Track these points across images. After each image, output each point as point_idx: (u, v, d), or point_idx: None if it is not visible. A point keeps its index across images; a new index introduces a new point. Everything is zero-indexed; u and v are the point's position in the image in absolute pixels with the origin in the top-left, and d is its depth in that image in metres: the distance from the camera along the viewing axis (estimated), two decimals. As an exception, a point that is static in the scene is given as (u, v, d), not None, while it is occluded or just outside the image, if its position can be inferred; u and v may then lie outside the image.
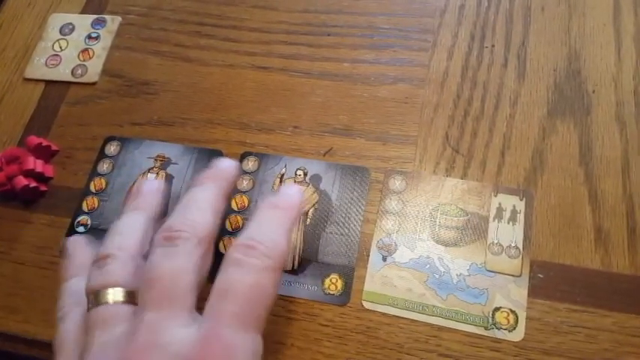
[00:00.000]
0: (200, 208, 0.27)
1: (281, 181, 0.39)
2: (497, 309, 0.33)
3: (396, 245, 0.35)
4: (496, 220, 0.35)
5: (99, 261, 0.26)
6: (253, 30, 0.46)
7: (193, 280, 0.24)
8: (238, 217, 0.38)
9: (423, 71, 0.42)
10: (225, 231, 0.37)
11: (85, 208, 0.40)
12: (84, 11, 0.49)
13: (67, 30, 0.48)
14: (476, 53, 0.42)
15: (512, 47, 0.41)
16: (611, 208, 0.35)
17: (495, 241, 0.34)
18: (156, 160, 0.41)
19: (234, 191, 0.39)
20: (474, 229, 0.35)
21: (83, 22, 0.48)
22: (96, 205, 0.40)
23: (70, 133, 0.44)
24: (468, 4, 0.44)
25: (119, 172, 0.41)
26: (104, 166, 0.41)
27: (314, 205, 0.37)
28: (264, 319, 0.24)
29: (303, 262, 0.36)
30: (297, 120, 0.41)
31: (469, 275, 0.34)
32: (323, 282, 0.35)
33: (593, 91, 0.39)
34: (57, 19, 0.49)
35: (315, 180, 0.38)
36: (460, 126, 0.39)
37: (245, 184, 0.39)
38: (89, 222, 0.39)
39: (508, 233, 0.34)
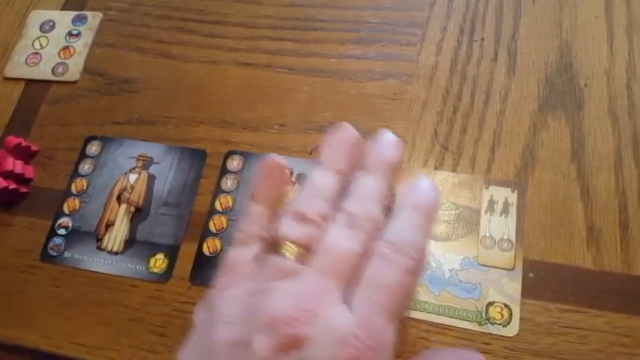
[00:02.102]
0: (375, 201, 0.27)
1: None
2: (490, 304, 0.32)
3: None
4: (488, 213, 0.34)
5: (296, 216, 0.27)
6: (237, 25, 0.44)
7: (356, 266, 0.26)
8: (222, 218, 0.37)
9: (411, 66, 0.41)
10: (209, 232, 0.37)
11: (65, 209, 0.39)
12: (64, 8, 0.48)
13: (47, 27, 0.47)
14: (465, 47, 0.41)
15: (503, 41, 0.40)
16: (604, 204, 0.34)
17: (487, 235, 0.34)
18: (138, 159, 0.40)
19: (218, 191, 0.38)
20: (466, 223, 0.34)
21: (64, 19, 0.47)
22: (77, 207, 0.39)
23: (50, 132, 0.42)
24: (457, -3, 0.43)
25: (100, 172, 0.40)
26: (85, 167, 0.40)
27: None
28: (402, 315, 0.26)
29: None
30: (283, 118, 0.40)
31: (461, 270, 0.33)
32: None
33: (585, 85, 0.38)
34: (37, 16, 0.48)
35: (302, 178, 0.37)
36: (449, 122, 0.38)
37: (229, 183, 0.38)
38: (70, 224, 0.38)
39: (500, 226, 0.34)
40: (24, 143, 0.41)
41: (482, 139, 0.37)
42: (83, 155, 0.41)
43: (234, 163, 0.39)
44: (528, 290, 0.32)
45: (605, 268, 0.33)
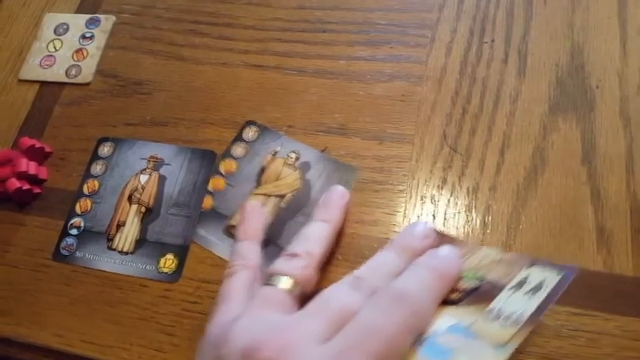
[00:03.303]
0: (379, 273, 0.29)
1: (272, 158, 0.39)
2: None
3: None
4: (512, 290, 0.28)
5: (288, 255, 0.31)
6: (247, 27, 0.45)
7: (348, 318, 0.26)
8: (221, 180, 0.39)
9: (420, 68, 0.40)
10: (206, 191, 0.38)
11: (78, 210, 0.40)
12: (78, 11, 0.49)
13: (61, 30, 0.48)
14: (475, 49, 0.40)
15: (513, 42, 0.40)
16: (615, 207, 0.34)
17: (496, 308, 0.28)
18: (149, 161, 0.40)
19: (224, 155, 0.39)
20: (482, 294, 0.29)
21: (77, 22, 0.48)
22: (89, 208, 0.40)
23: (63, 134, 0.43)
24: (467, -2, 0.42)
25: (112, 173, 0.40)
26: (97, 168, 0.41)
27: (293, 191, 0.37)
28: None
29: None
30: (292, 119, 0.40)
31: (444, 334, 0.27)
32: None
33: (597, 87, 0.38)
34: (51, 19, 0.49)
35: (304, 167, 0.38)
36: (458, 124, 0.38)
37: (239, 150, 0.39)
38: (82, 224, 0.39)
39: (518, 303, 0.27)
40: (38, 144, 0.41)
41: (492, 142, 0.37)
42: (95, 156, 0.41)
43: (250, 132, 0.40)
44: (537, 293, 0.32)
45: (615, 271, 0.32)
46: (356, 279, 0.28)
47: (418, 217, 0.36)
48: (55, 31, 0.48)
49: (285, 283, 0.29)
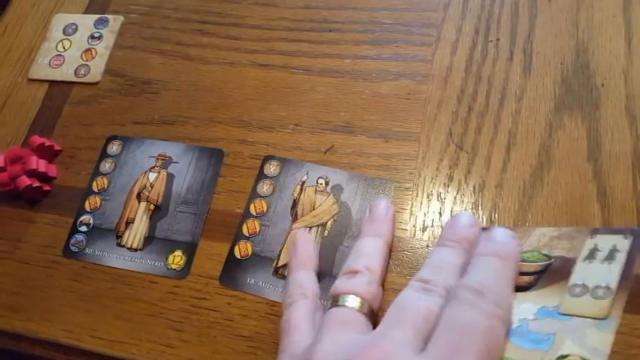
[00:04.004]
0: (444, 271, 0.28)
1: (301, 189, 0.37)
2: (563, 357, 0.25)
3: None
4: (586, 261, 0.28)
5: (349, 273, 0.30)
6: (254, 27, 0.45)
7: (433, 322, 0.26)
8: (256, 222, 0.37)
9: (426, 66, 0.41)
10: (241, 235, 0.37)
11: (87, 207, 0.40)
12: (87, 11, 0.49)
13: (70, 30, 0.48)
14: (480, 47, 0.41)
15: (518, 40, 0.40)
16: (621, 205, 0.34)
17: (579, 283, 0.27)
18: (157, 159, 0.41)
19: (253, 195, 0.38)
20: (555, 272, 0.28)
21: (86, 22, 0.48)
22: (98, 205, 0.40)
23: (73, 132, 0.44)
24: (472, -3, 0.43)
25: (121, 171, 0.41)
26: (106, 166, 0.41)
27: (333, 216, 0.36)
28: None
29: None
30: (298, 118, 0.40)
31: (534, 320, 0.27)
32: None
33: (602, 85, 0.38)
34: (60, 20, 0.49)
35: (337, 190, 0.37)
36: (464, 122, 0.38)
37: (265, 188, 0.38)
38: (91, 221, 0.39)
39: (599, 273, 0.27)
40: (47, 143, 0.42)
41: (498, 139, 0.37)
42: (104, 154, 0.42)
43: (271, 168, 0.39)
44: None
45: (621, 268, 0.32)
46: (423, 282, 0.27)
47: (425, 214, 0.36)
48: (64, 32, 0.48)
49: (352, 301, 0.28)
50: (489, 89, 0.39)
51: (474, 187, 0.36)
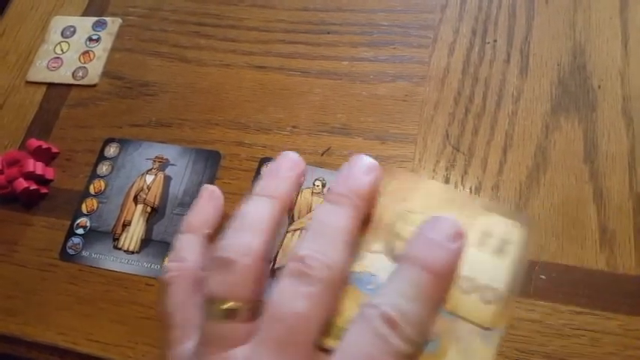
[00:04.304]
0: (335, 241, 0.23)
1: (298, 191, 0.36)
2: None
3: None
4: (477, 248, 0.25)
5: (220, 264, 0.23)
6: (251, 29, 0.45)
7: (320, 326, 0.22)
8: None
9: (423, 68, 0.41)
10: None
11: (84, 210, 0.40)
12: (85, 13, 0.50)
13: (68, 32, 0.48)
14: (477, 49, 0.41)
15: (515, 42, 0.40)
16: (617, 206, 0.34)
17: (469, 275, 0.24)
18: (154, 161, 0.41)
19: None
20: None
21: (84, 25, 0.48)
22: (95, 207, 0.40)
23: (70, 135, 0.44)
24: (469, -1, 0.43)
25: (118, 174, 0.41)
26: (103, 168, 0.41)
27: None
28: None
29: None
30: (295, 120, 0.40)
31: None
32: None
33: (599, 86, 0.38)
34: (59, 22, 0.49)
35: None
36: (461, 123, 0.38)
37: None
38: (88, 224, 0.39)
39: (490, 268, 0.24)
40: (44, 145, 0.42)
41: (494, 141, 0.37)
42: (101, 157, 0.42)
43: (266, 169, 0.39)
44: (540, 292, 0.32)
45: (618, 270, 0.32)
46: (300, 261, 0.22)
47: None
48: (62, 34, 0.48)
49: (224, 312, 0.22)
50: (486, 91, 0.39)
51: (471, 189, 0.36)
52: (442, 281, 0.22)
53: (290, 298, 0.21)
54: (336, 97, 0.41)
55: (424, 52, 0.41)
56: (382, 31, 0.43)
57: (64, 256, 0.39)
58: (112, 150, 0.42)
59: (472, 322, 0.23)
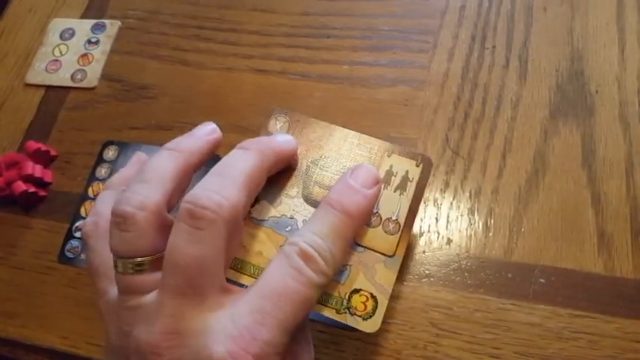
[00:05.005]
0: (234, 182, 0.23)
1: None
2: (355, 291, 0.26)
3: (257, 198, 0.28)
4: (382, 185, 0.28)
5: (118, 220, 0.23)
6: (252, 33, 0.45)
7: (220, 265, 0.22)
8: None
9: (423, 73, 0.41)
10: None
11: (82, 213, 0.40)
12: (84, 16, 0.49)
13: (67, 35, 0.48)
14: (477, 54, 0.41)
15: (514, 48, 0.41)
16: (615, 210, 0.34)
17: (375, 210, 0.27)
18: (154, 164, 0.41)
19: None
20: None
21: (83, 27, 0.48)
22: (94, 210, 0.40)
23: (69, 137, 0.44)
24: (468, 5, 0.43)
25: (117, 176, 0.41)
26: (102, 171, 0.41)
27: None
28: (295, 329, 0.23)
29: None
30: (296, 123, 0.41)
31: None
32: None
33: (597, 92, 0.38)
34: (57, 24, 0.49)
35: None
36: (460, 128, 0.39)
37: None
38: (87, 227, 0.39)
39: (392, 203, 0.27)
40: (43, 148, 0.42)
41: (494, 145, 0.38)
42: (100, 160, 0.42)
43: None
44: (539, 296, 0.33)
45: (616, 274, 0.33)
46: (194, 207, 0.22)
47: (421, 219, 0.36)
48: (60, 36, 0.48)
49: (129, 267, 0.23)
50: (485, 96, 0.39)
51: (470, 193, 0.36)
52: (356, 222, 0.25)
53: (183, 243, 0.22)
54: (336, 101, 0.41)
55: (424, 57, 0.42)
56: (382, 36, 0.43)
57: (63, 258, 0.39)
58: (110, 153, 0.42)
59: (377, 252, 0.27)
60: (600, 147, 0.36)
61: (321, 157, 0.29)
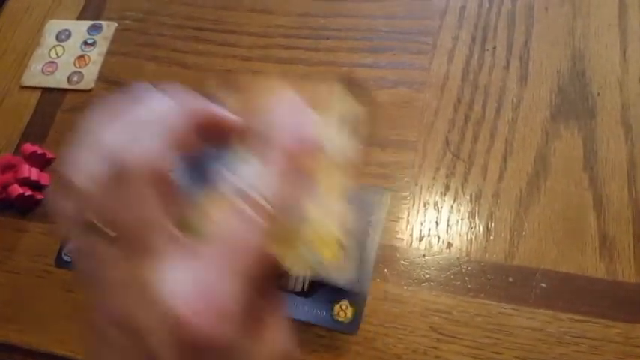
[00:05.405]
0: (155, 131, 0.20)
1: None
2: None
3: None
4: (331, 127, 0.25)
5: (65, 183, 0.20)
6: (251, 34, 0.45)
7: (158, 224, 0.20)
8: None
9: (422, 74, 0.41)
10: None
11: (80, 216, 0.40)
12: (80, 17, 0.49)
13: (63, 36, 0.48)
14: (477, 56, 0.41)
15: (515, 49, 0.40)
16: (617, 213, 0.34)
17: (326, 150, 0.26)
18: (152, 167, 0.40)
19: None
20: None
21: (79, 29, 0.48)
22: (92, 214, 0.40)
23: (66, 140, 0.43)
24: (468, 6, 0.43)
25: (115, 179, 0.41)
26: (100, 174, 0.41)
27: None
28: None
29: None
30: (295, 125, 0.40)
31: None
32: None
33: (598, 94, 0.38)
34: (53, 26, 0.49)
35: None
36: (461, 130, 0.38)
37: None
38: (85, 230, 0.39)
39: (339, 143, 0.25)
40: (39, 151, 0.41)
41: (494, 148, 0.37)
42: (98, 162, 0.41)
43: None
44: (540, 300, 0.32)
45: (617, 277, 0.32)
46: (115, 166, 0.19)
47: (421, 223, 0.36)
48: (57, 38, 0.48)
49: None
50: (486, 97, 0.39)
51: (471, 196, 0.36)
52: (301, 164, 0.22)
53: (116, 208, 0.20)
54: (335, 103, 0.41)
55: (424, 59, 0.41)
56: (382, 37, 0.43)
57: (60, 262, 0.38)
58: (108, 155, 0.42)
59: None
60: (602, 149, 0.36)
61: (267, 110, 0.27)
